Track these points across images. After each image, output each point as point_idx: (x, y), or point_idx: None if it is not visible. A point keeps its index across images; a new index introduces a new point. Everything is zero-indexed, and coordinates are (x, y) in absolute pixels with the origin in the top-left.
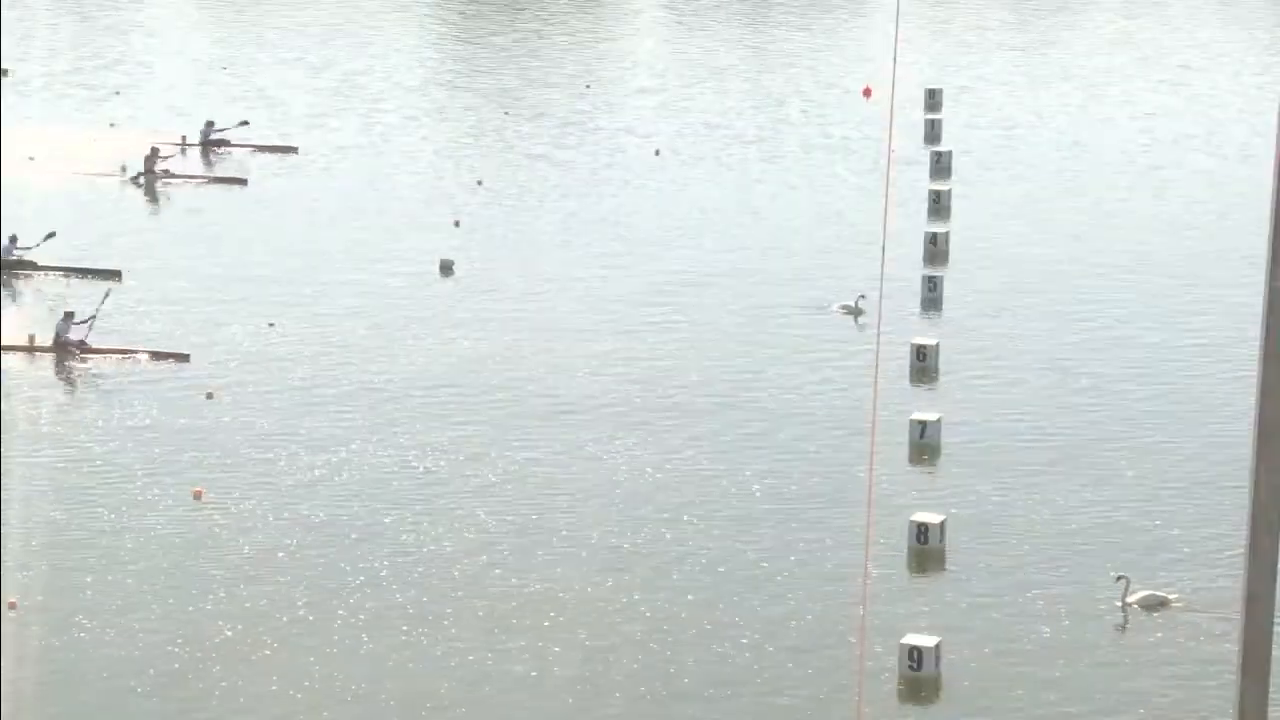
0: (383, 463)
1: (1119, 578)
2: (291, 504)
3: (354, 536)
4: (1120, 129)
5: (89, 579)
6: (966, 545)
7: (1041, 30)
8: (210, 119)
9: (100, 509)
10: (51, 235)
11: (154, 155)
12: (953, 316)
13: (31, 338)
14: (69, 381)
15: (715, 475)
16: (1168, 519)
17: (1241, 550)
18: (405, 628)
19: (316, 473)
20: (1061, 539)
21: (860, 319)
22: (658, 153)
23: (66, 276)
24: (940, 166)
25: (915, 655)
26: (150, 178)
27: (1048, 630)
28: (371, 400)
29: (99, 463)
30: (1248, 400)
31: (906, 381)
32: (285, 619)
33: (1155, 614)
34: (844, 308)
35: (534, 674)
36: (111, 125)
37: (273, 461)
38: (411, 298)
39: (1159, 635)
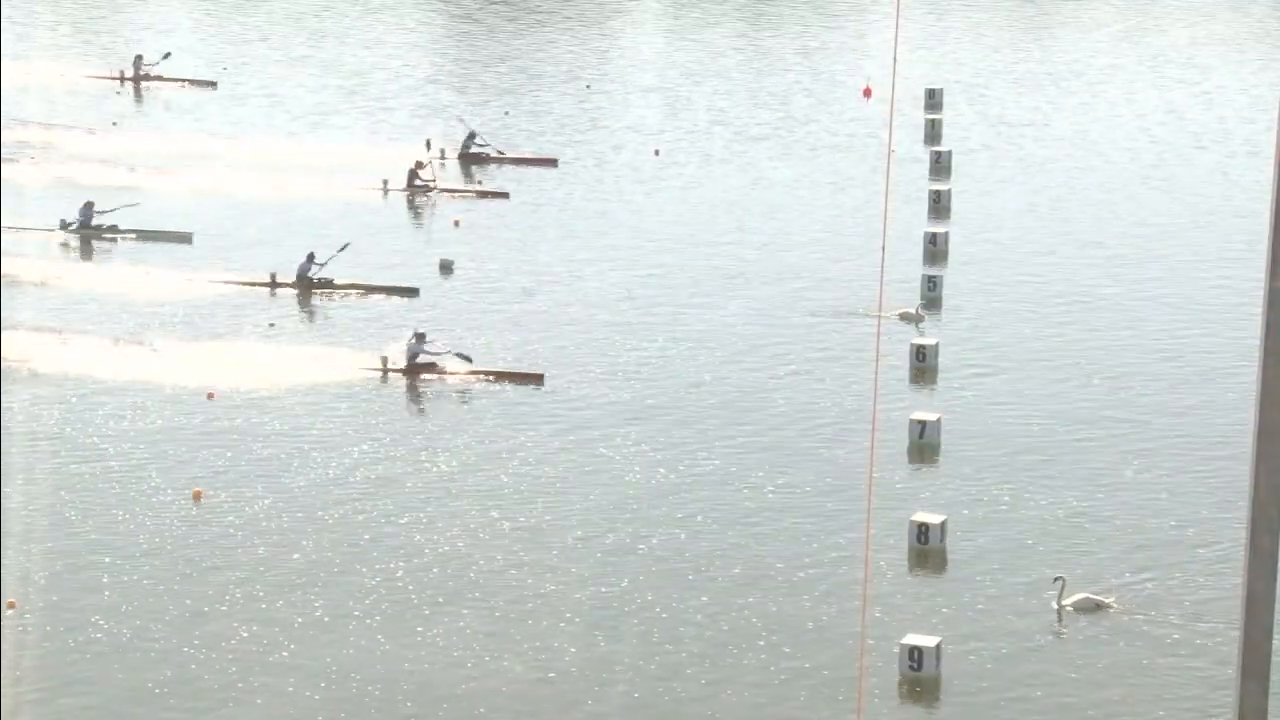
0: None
1: (1055, 579)
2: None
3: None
4: (1123, 126)
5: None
6: (967, 545)
7: (1042, 27)
8: (472, 131)
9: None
10: (346, 246)
11: (417, 169)
12: (953, 316)
13: (385, 359)
14: (418, 401)
15: (715, 475)
16: (1168, 519)
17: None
18: (420, 628)
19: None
20: (1061, 539)
21: (921, 325)
22: (657, 153)
23: (364, 294)
24: (940, 166)
25: (915, 655)
26: (413, 191)
27: (1048, 630)
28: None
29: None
30: (1249, 401)
31: (906, 381)
32: (301, 620)
33: (1091, 616)
34: (903, 315)
35: (538, 672)
36: (388, 140)
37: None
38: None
39: (1158, 636)
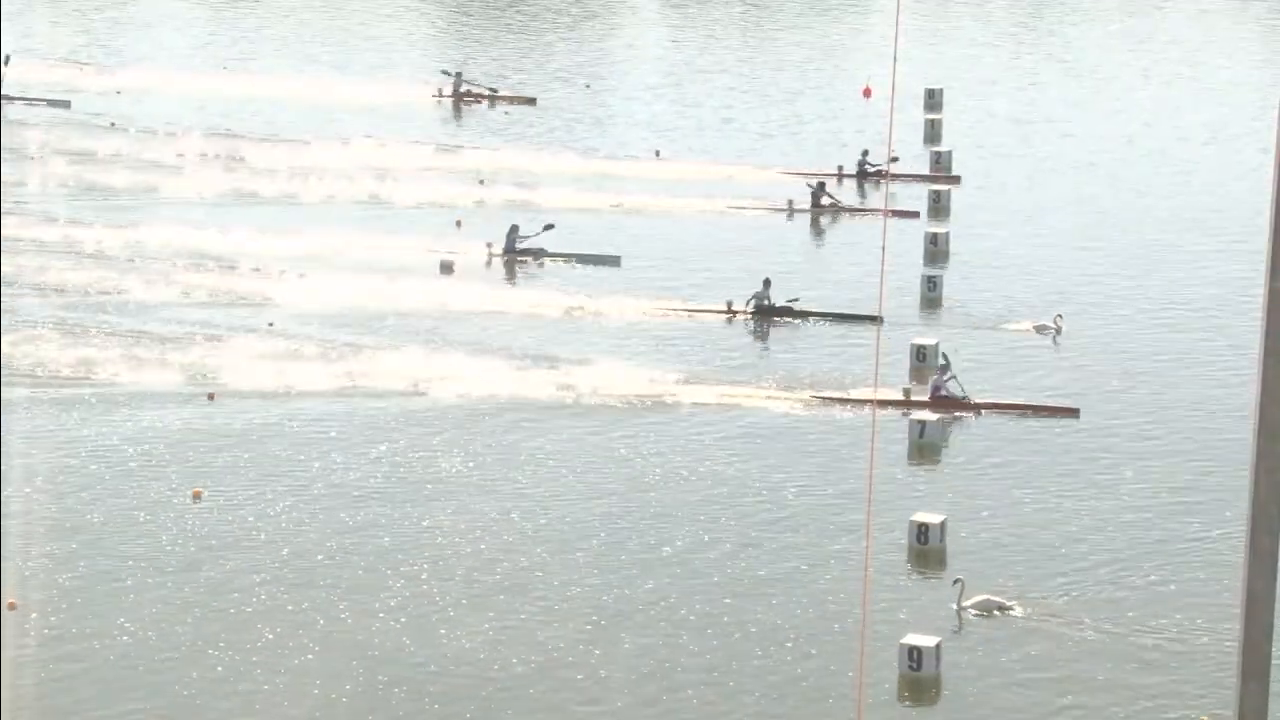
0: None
1: (955, 581)
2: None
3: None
4: (1126, 123)
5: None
6: (967, 545)
7: (1042, 25)
8: (865, 149)
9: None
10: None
11: (821, 188)
12: (952, 317)
13: (907, 391)
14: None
15: (716, 475)
16: (1167, 521)
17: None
18: (444, 630)
19: None
20: (1062, 539)
21: (1058, 338)
22: (658, 154)
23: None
24: (940, 166)
25: (915, 655)
26: (816, 211)
27: (1047, 630)
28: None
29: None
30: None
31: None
32: (323, 622)
33: (992, 617)
34: (1038, 327)
35: (539, 671)
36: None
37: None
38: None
39: (1158, 634)
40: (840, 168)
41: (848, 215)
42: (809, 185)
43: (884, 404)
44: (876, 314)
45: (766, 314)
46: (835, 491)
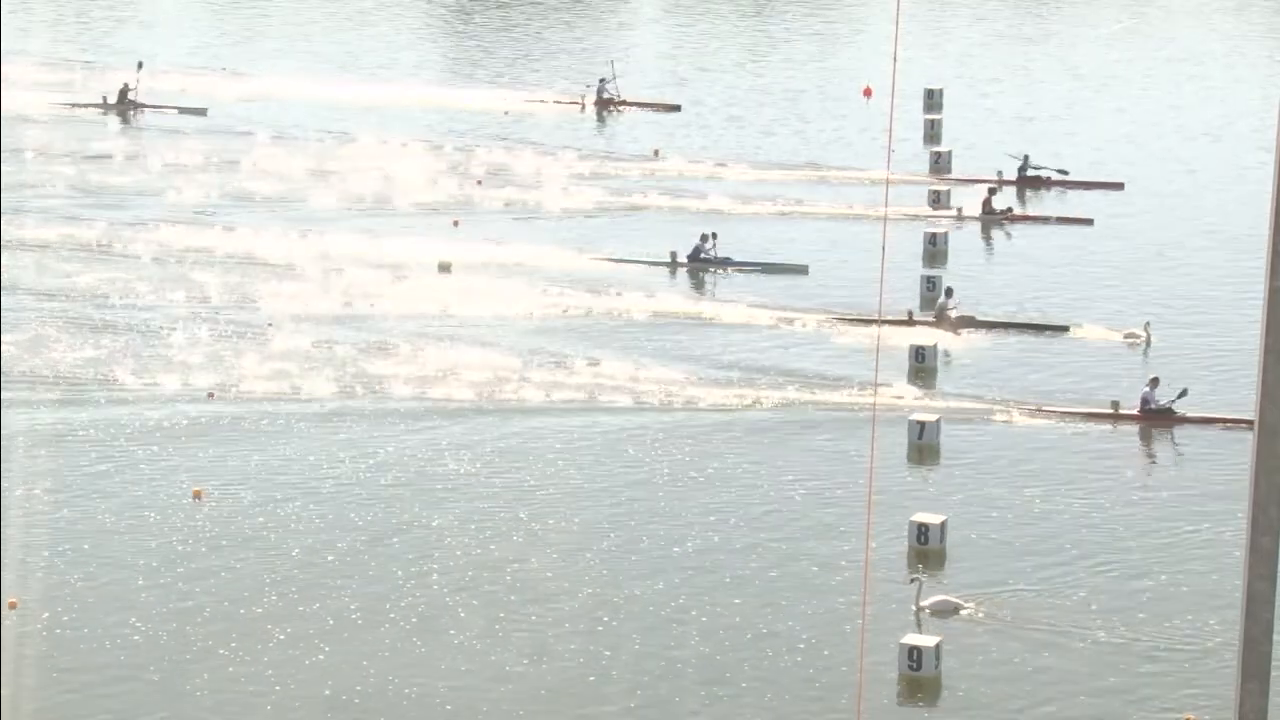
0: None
1: (911, 579)
2: None
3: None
4: (1129, 121)
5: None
6: (967, 545)
7: (1042, 24)
8: (1026, 153)
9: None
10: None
11: (990, 196)
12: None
13: (1115, 404)
14: (1149, 451)
15: (716, 474)
16: (1170, 521)
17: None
18: (453, 631)
19: None
20: (1062, 540)
21: (1148, 348)
22: (657, 153)
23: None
24: (940, 166)
25: (915, 655)
26: (987, 219)
27: (1047, 629)
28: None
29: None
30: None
31: (905, 381)
32: (334, 622)
33: (947, 619)
34: (1129, 336)
35: (537, 668)
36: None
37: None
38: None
39: (1159, 635)
40: (1000, 173)
41: (1014, 223)
42: (991, 187)
43: (1091, 417)
44: (1063, 324)
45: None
46: (835, 492)
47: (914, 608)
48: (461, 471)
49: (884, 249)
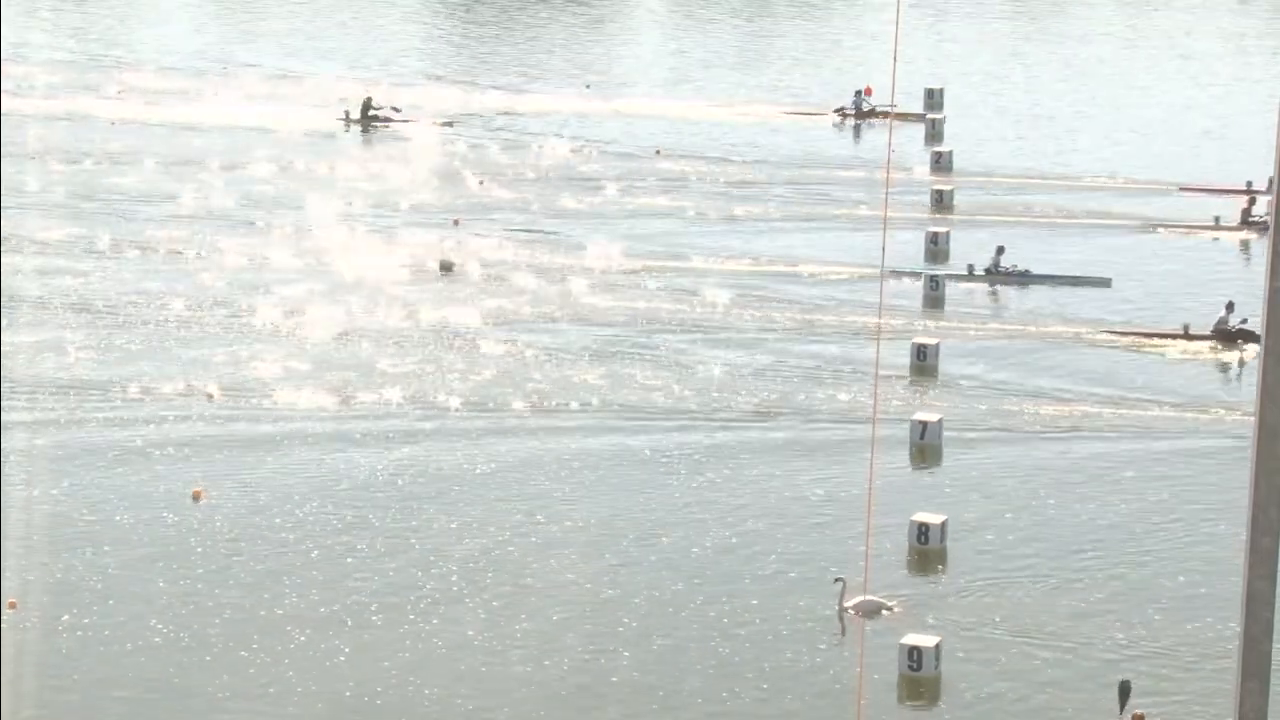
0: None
1: (836, 580)
2: None
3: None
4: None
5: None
6: (967, 545)
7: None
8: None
9: None
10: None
11: (1250, 205)
12: (953, 317)
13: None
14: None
15: (716, 474)
16: (1166, 522)
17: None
18: (471, 632)
19: None
20: (1062, 540)
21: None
22: (658, 152)
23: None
24: (940, 166)
25: (915, 655)
26: (1249, 229)
27: (1047, 629)
28: None
29: None
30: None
31: (906, 381)
32: (352, 623)
33: (875, 618)
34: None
35: (535, 666)
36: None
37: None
38: None
39: (1159, 635)
40: (1249, 184)
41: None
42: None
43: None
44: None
45: (1226, 337)
46: (836, 492)
47: (836, 609)
48: (478, 472)
49: (884, 249)
